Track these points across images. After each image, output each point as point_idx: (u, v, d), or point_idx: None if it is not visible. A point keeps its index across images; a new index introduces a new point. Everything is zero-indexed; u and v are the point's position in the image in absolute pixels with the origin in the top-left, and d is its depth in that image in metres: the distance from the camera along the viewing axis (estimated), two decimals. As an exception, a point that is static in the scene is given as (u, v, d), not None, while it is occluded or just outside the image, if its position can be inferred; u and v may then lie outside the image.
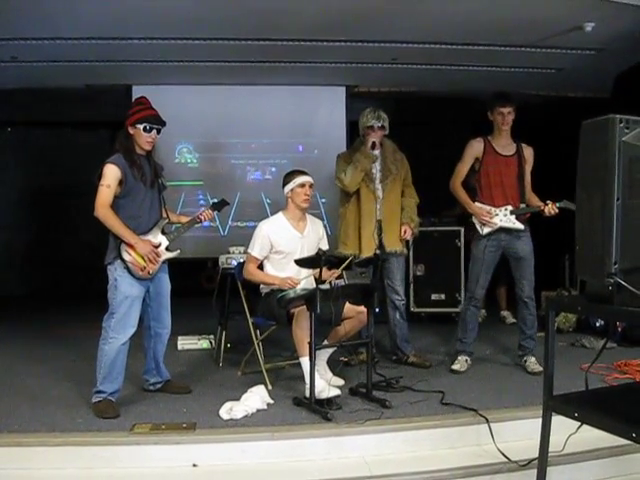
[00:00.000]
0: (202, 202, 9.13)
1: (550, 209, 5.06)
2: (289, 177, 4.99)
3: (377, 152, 5.38)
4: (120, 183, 4.22)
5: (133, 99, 4.99)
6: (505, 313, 7.51)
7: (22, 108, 9.14)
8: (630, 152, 2.36)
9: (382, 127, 5.36)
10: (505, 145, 5.28)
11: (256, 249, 4.87)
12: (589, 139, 2.52)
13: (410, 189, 5.58)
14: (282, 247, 4.86)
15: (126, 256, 4.23)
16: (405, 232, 5.44)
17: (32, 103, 9.03)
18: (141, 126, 4.31)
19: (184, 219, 4.81)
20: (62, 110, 9.37)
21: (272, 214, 5.24)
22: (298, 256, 4.68)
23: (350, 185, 5.32)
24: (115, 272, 4.24)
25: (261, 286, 4.95)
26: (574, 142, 2.59)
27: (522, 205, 5.22)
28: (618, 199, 2.35)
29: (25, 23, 6.08)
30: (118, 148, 4.31)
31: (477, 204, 5.24)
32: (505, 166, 5.23)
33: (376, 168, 5.40)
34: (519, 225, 5.16)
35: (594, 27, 6.18)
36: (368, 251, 5.17)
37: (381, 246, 5.35)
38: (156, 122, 4.38)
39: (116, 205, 4.23)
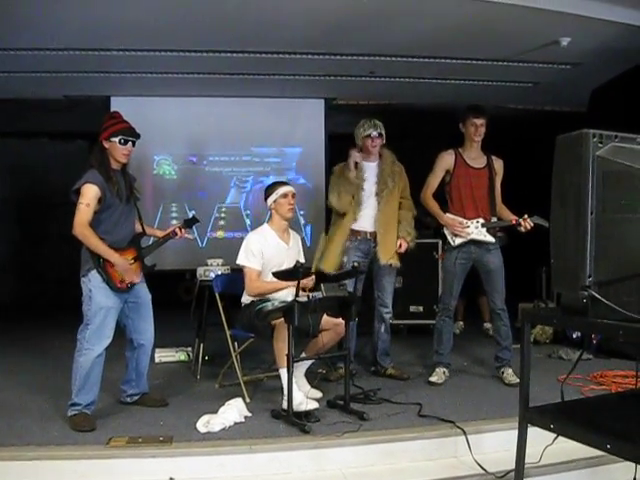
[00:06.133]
0: (180, 214, 9.10)
1: (526, 225, 5.08)
2: (271, 189, 4.98)
3: (373, 166, 5.40)
4: (99, 201, 4.21)
5: (111, 110, 4.97)
6: (488, 325, 7.49)
7: (-1, 118, 9.09)
8: (604, 166, 2.39)
9: (380, 135, 5.36)
10: (476, 157, 5.31)
11: (253, 260, 4.78)
12: (563, 153, 2.55)
13: (408, 201, 5.55)
14: (270, 259, 4.83)
15: (107, 268, 4.22)
16: (400, 246, 5.43)
17: (9, 113, 8.96)
18: (117, 139, 4.29)
19: (159, 233, 4.83)
20: (40, 120, 9.32)
21: (251, 226, 5.23)
22: (285, 268, 4.66)
23: (340, 208, 5.35)
24: (89, 283, 4.22)
25: (242, 298, 4.93)
26: (550, 156, 2.62)
27: (494, 218, 5.26)
28: (592, 213, 2.38)
29: (3, 33, 6.06)
30: (93, 164, 4.28)
31: (449, 215, 5.27)
32: (476, 178, 5.25)
33: (372, 180, 5.40)
34: (490, 238, 5.19)
35: (570, 42, 6.27)
36: (329, 265, 5.25)
37: (376, 258, 5.37)
38: (131, 135, 4.36)
39: (93, 220, 4.20)
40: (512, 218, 5.20)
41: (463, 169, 5.26)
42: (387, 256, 5.37)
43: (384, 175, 5.40)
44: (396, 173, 5.47)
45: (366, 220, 5.39)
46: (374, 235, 5.39)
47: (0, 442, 3.84)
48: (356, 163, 5.31)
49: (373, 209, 5.39)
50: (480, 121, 5.23)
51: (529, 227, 5.07)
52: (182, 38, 6.45)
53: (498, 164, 5.37)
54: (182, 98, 9.00)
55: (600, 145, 2.42)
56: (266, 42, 6.63)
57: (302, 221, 9.19)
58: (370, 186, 5.40)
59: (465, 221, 5.20)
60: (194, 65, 7.39)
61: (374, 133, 5.32)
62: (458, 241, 5.22)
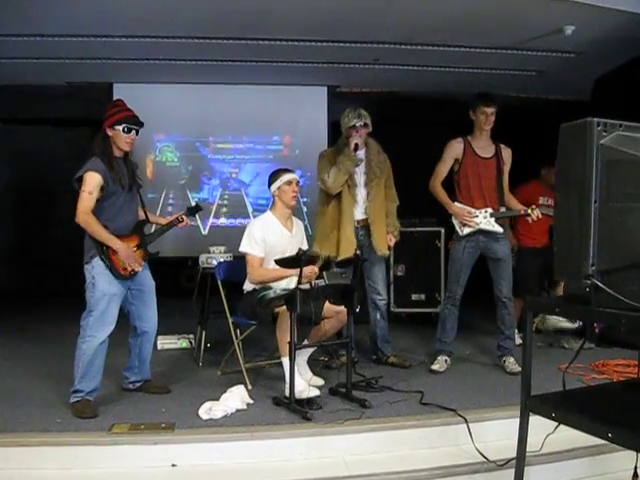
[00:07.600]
0: (182, 201, 9.11)
1: (535, 215, 5.08)
2: (275, 176, 4.96)
3: (362, 154, 5.34)
4: (102, 189, 4.21)
5: (114, 97, 4.95)
6: None
7: (1, 105, 9.05)
8: (607, 155, 2.38)
9: (365, 125, 5.31)
10: (484, 147, 5.29)
11: (256, 247, 4.77)
12: (567, 142, 2.53)
13: (391, 191, 5.56)
14: (273, 246, 4.82)
15: (111, 255, 4.22)
16: (390, 240, 5.47)
17: (12, 100, 8.94)
18: (120, 127, 4.28)
19: (162, 220, 4.84)
20: (42, 107, 9.29)
21: (253, 213, 5.22)
22: (288, 255, 4.65)
23: (333, 187, 5.25)
24: (92, 270, 4.22)
25: (244, 285, 4.93)
26: (554, 144, 2.61)
27: (502, 208, 5.25)
28: (595, 202, 2.37)
29: (5, 20, 6.04)
30: (95, 151, 4.28)
31: (457, 204, 5.26)
32: (484, 168, 5.24)
33: (360, 170, 5.36)
34: (498, 228, 5.19)
35: (574, 30, 6.24)
36: (346, 253, 5.14)
37: (372, 249, 5.36)
38: (135, 123, 4.36)
39: (95, 208, 4.20)
40: (521, 208, 5.20)
41: (472, 158, 5.25)
42: (383, 248, 5.39)
43: (372, 165, 5.38)
44: (382, 163, 5.46)
45: (355, 208, 5.37)
46: (361, 223, 5.38)
47: (3, 428, 3.86)
48: (356, 144, 5.25)
49: (362, 199, 5.37)
50: (491, 109, 5.21)
51: (537, 217, 5.07)
52: (184, 25, 6.42)
53: (507, 153, 5.36)
54: (185, 85, 8.98)
55: (604, 134, 2.40)
56: (269, 29, 6.59)
57: (304, 209, 9.17)
58: (359, 176, 5.38)
59: (474, 211, 5.19)
60: (196, 52, 7.36)
61: (359, 123, 5.27)
62: (466, 230, 5.21)
